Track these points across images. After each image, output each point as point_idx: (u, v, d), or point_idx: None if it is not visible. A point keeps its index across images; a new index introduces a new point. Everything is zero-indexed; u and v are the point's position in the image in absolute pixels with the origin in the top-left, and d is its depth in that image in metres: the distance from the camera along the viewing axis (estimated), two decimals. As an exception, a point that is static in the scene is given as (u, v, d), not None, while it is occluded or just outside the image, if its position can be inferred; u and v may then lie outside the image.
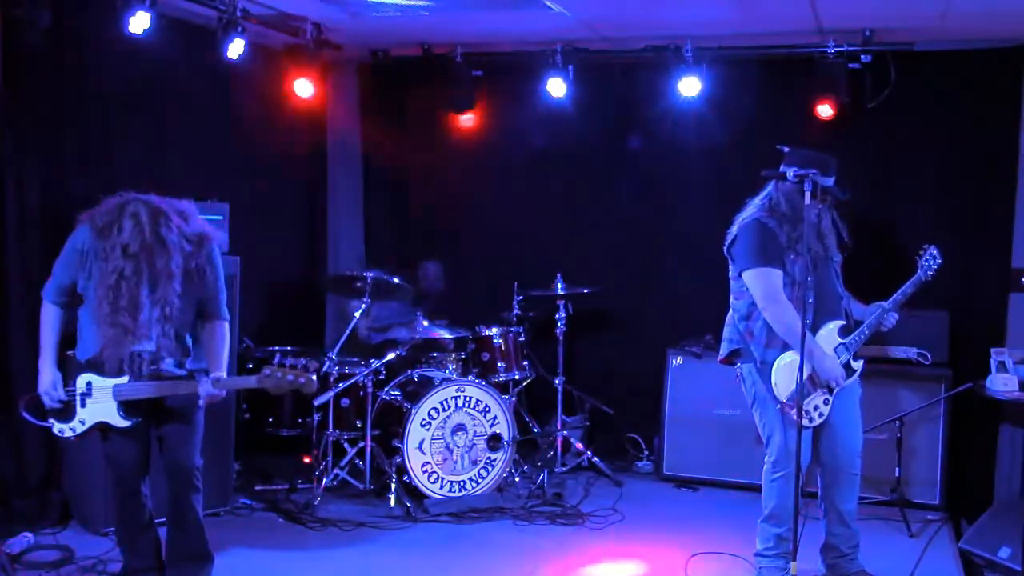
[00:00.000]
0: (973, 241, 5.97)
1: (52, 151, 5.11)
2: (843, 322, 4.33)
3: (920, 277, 4.32)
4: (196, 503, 4.03)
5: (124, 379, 3.83)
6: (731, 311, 4.42)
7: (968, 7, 5.13)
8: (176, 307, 3.82)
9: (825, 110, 6.02)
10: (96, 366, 3.85)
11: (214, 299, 4.01)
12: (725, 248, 4.39)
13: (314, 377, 3.97)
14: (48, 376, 3.88)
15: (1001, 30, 5.59)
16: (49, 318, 3.92)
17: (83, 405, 3.88)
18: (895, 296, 4.32)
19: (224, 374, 3.97)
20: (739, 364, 4.40)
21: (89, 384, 3.86)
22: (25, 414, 3.95)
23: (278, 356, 4.08)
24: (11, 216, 4.89)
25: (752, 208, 4.34)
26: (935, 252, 4.34)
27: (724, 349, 4.45)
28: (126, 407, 3.86)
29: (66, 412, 3.89)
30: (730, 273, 4.39)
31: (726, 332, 4.45)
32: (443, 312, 6.54)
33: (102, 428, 3.90)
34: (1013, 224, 5.89)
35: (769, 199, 4.31)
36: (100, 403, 3.86)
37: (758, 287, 4.22)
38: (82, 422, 3.89)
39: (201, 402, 3.94)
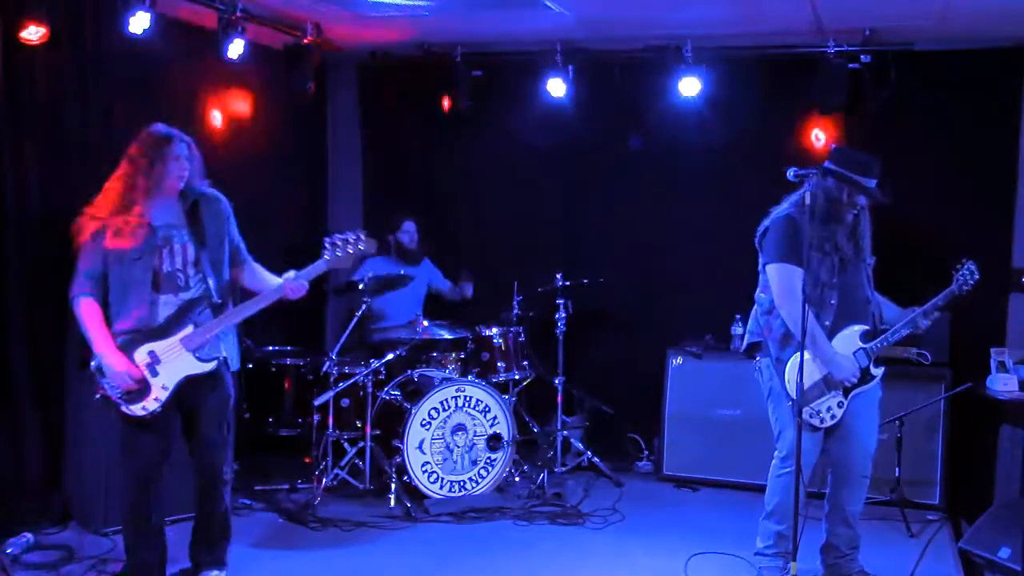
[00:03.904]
0: (973, 241, 5.95)
1: (52, 151, 5.11)
2: (867, 327, 4.27)
3: (953, 290, 4.23)
4: (228, 474, 4.23)
5: (188, 329, 3.92)
6: (756, 304, 4.41)
7: (968, 7, 5.14)
8: (204, 256, 3.99)
9: (825, 110, 6.01)
10: (149, 334, 3.90)
11: (236, 246, 4.21)
12: (756, 239, 4.35)
13: (372, 241, 4.16)
14: (117, 361, 3.85)
15: (1001, 30, 5.59)
16: (90, 309, 3.91)
17: (155, 374, 3.91)
18: (925, 307, 4.25)
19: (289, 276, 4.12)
20: (758, 357, 4.40)
21: (152, 353, 3.90)
22: (116, 399, 3.93)
23: (326, 244, 4.12)
24: (11, 216, 4.89)
25: (788, 203, 4.27)
26: (973, 267, 4.24)
27: (745, 341, 4.46)
28: (201, 351, 3.95)
29: (138, 392, 3.90)
30: (759, 265, 4.36)
31: (749, 324, 4.45)
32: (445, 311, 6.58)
33: (125, 416, 3.94)
34: (1013, 224, 5.91)
35: (808, 194, 4.18)
36: (174, 361, 3.92)
37: (777, 283, 4.20)
38: (164, 388, 3.92)
39: (293, 297, 4.08)
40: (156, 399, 3.91)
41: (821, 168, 4.20)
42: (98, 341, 3.87)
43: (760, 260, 4.35)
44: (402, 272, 5.96)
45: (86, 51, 5.23)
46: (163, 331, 3.93)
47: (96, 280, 3.92)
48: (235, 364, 4.19)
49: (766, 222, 4.32)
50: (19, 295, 4.92)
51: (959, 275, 4.25)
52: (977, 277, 4.24)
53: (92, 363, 3.93)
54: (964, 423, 5.75)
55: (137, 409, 3.90)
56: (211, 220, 4.08)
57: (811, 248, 4.13)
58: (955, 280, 4.24)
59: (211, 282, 3.99)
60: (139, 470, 4.01)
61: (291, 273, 4.11)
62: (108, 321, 3.92)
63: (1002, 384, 5.25)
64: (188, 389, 3.98)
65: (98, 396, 3.96)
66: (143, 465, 4.00)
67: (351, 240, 4.08)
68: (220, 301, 4.01)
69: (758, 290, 4.40)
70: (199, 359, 3.96)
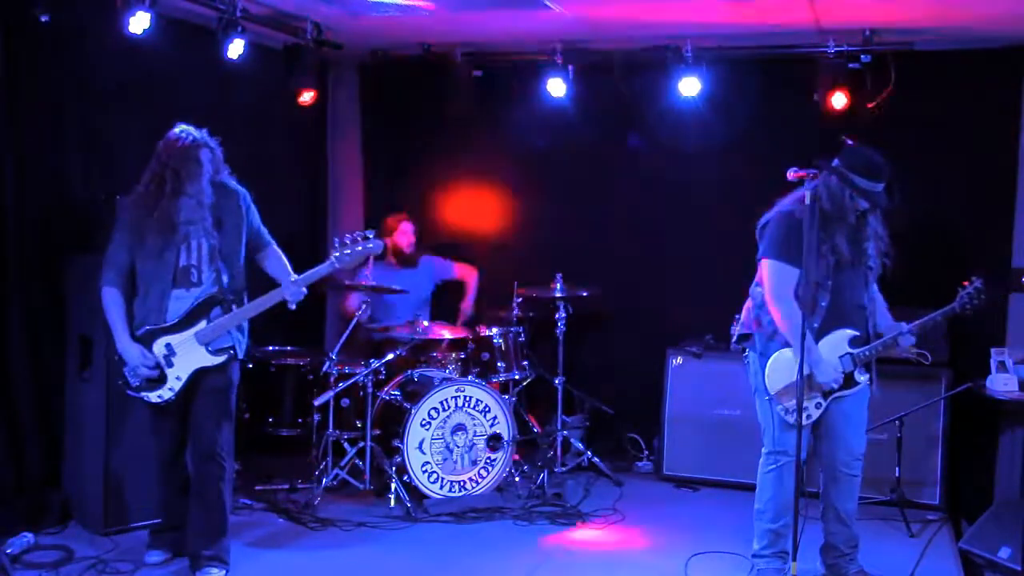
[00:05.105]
0: (973, 241, 5.96)
1: (53, 151, 5.11)
2: (856, 333, 4.23)
3: (954, 308, 4.13)
4: (227, 462, 4.39)
5: (202, 324, 4.17)
6: (750, 296, 4.39)
7: (968, 7, 5.13)
8: (219, 253, 4.21)
9: (825, 110, 6.01)
10: (166, 328, 4.15)
11: (257, 233, 4.45)
12: (757, 231, 4.31)
13: (379, 241, 4.37)
14: (132, 349, 4.15)
15: (1001, 30, 5.58)
16: (113, 300, 4.19)
17: (170, 365, 4.16)
18: (920, 321, 4.19)
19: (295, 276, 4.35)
20: (747, 351, 4.40)
21: (168, 345, 4.15)
22: (130, 392, 4.25)
23: (335, 243, 4.35)
24: (11, 215, 4.89)
25: (791, 198, 4.17)
26: (980, 286, 4.10)
27: (737, 331, 4.45)
28: (212, 345, 4.19)
29: (156, 380, 4.18)
30: (757, 256, 4.33)
31: (742, 315, 4.44)
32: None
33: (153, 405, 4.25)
34: (1013, 224, 5.89)
35: (813, 190, 4.11)
36: (188, 354, 4.18)
37: (768, 280, 4.18)
38: (178, 378, 4.18)
39: (291, 306, 4.31)
40: (171, 388, 4.21)
41: (827, 165, 4.16)
42: (117, 331, 4.18)
43: (759, 251, 4.32)
44: (396, 287, 5.94)
45: (86, 51, 5.23)
46: (180, 326, 4.18)
47: (121, 272, 4.20)
48: (242, 353, 4.38)
49: (768, 215, 4.28)
50: (18, 295, 4.92)
51: (963, 292, 4.13)
52: (984, 298, 4.10)
53: (117, 353, 4.21)
54: (964, 423, 5.74)
55: (153, 397, 4.21)
56: (229, 215, 4.31)
57: (808, 248, 4.10)
58: (958, 297, 4.14)
59: (225, 278, 4.22)
60: (164, 448, 4.42)
61: (293, 276, 4.32)
62: (132, 313, 4.18)
63: (1002, 384, 5.24)
64: (198, 378, 4.23)
65: (120, 383, 4.26)
66: (167, 444, 4.40)
67: (359, 239, 4.31)
68: (233, 297, 4.24)
69: (754, 283, 4.38)
70: (211, 352, 4.21)
